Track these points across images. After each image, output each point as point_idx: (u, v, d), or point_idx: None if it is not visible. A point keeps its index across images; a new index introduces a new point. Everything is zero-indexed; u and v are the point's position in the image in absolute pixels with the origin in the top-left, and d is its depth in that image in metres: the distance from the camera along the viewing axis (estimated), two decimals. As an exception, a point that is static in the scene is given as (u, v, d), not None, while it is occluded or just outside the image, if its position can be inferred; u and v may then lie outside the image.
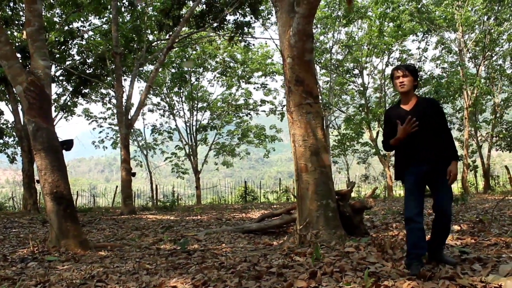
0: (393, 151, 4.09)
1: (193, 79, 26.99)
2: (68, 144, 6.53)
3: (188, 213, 13.90)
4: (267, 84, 27.57)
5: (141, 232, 8.86)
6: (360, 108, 26.90)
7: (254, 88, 27.85)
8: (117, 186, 23.64)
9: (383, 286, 3.18)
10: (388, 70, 26.01)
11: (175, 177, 30.42)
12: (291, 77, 5.62)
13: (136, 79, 22.30)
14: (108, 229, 9.68)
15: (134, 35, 18.17)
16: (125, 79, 21.17)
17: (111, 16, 16.68)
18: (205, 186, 29.04)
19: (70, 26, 17.91)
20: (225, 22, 17.44)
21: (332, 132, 27.31)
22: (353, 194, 24.23)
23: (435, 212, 3.75)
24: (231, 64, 26.28)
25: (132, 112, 15.90)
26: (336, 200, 5.72)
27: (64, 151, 6.68)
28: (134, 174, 15.54)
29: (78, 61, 19.17)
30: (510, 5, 20.82)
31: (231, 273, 4.06)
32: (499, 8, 21.15)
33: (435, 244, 3.81)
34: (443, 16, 22.42)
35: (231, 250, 5.72)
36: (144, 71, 23.83)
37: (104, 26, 19.54)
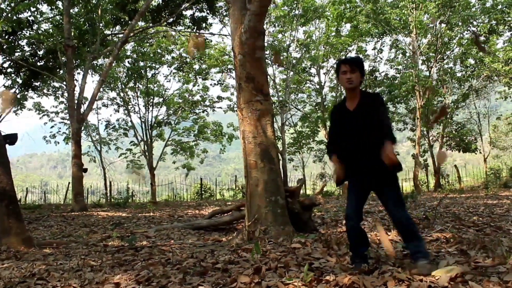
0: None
1: (149, 74, 26.58)
2: (11, 138, 6.30)
3: (141, 210, 13.71)
4: (224, 81, 27.50)
5: (90, 229, 8.67)
6: (317, 107, 27.28)
7: (211, 84, 27.74)
8: (69, 183, 22.99)
9: (325, 280, 3.22)
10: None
11: (130, 173, 29.91)
12: (242, 74, 5.63)
13: (90, 73, 21.77)
14: (56, 226, 9.42)
15: (88, 28, 17.69)
16: (78, 73, 20.63)
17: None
18: (161, 182, 28.69)
19: (19, 15, 17.22)
20: (181, 17, 17.27)
21: (288, 130, 27.55)
22: (309, 192, 24.66)
23: (390, 218, 3.65)
24: (188, 60, 26.01)
25: (84, 106, 15.52)
26: (285, 197, 5.77)
27: (7, 146, 6.42)
28: (85, 170, 15.16)
29: (28, 53, 18.47)
30: (460, 11, 21.61)
31: (177, 269, 4.03)
32: (450, 13, 21.92)
33: (409, 250, 3.58)
34: (398, 19, 23.01)
35: (180, 246, 5.68)
36: (99, 64, 23.28)
37: (56, 17, 18.91)
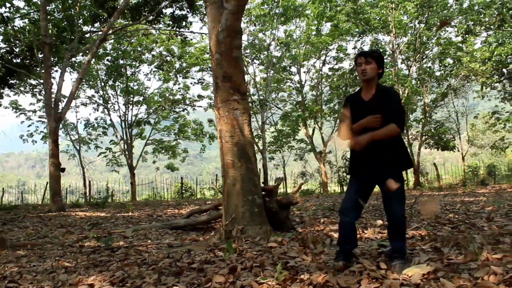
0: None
1: (129, 72, 26.33)
2: (-16, 138, 6.15)
3: (120, 210, 13.58)
4: (204, 79, 27.40)
5: (67, 229, 8.54)
6: (297, 105, 27.35)
7: (191, 83, 27.64)
8: (47, 183, 22.66)
9: (299, 279, 3.22)
10: (325, 69, 26.66)
11: (110, 173, 29.62)
12: (219, 73, 5.61)
13: (68, 71, 21.46)
14: (32, 227, 9.25)
15: (66, 25, 17.41)
16: (56, 70, 20.33)
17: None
18: (141, 182, 28.44)
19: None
20: (161, 15, 17.14)
21: (268, 129, 27.58)
22: (290, 190, 24.71)
23: (386, 212, 3.64)
24: (168, 58, 25.85)
25: (62, 105, 15.29)
26: (263, 196, 5.77)
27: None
28: (63, 170, 14.93)
29: (3, 50, 18.10)
30: (438, 11, 21.90)
31: (152, 269, 3.99)
32: (429, 13, 22.20)
33: (391, 247, 3.64)
34: (378, 18, 23.21)
35: (157, 246, 5.63)
36: (77, 62, 22.97)
37: (32, 13, 18.55)
